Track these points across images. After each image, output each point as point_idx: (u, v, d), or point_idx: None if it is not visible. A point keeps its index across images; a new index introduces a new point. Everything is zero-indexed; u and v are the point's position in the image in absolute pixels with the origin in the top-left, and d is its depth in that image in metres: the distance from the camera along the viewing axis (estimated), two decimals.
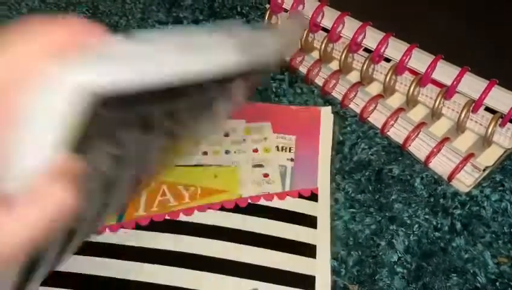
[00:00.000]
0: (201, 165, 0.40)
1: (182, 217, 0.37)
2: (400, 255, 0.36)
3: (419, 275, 0.35)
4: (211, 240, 0.36)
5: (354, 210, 0.38)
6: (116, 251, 0.35)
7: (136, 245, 0.36)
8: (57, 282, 0.33)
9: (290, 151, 0.41)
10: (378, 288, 0.34)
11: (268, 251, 0.36)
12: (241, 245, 0.36)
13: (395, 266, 0.35)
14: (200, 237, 0.36)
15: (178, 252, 0.35)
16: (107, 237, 0.36)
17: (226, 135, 0.42)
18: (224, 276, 0.34)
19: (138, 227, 0.37)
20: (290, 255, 0.36)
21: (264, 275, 0.34)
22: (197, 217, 0.37)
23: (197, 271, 0.35)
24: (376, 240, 0.37)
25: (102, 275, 0.34)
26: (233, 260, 0.35)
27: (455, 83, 0.39)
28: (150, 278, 0.34)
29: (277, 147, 0.41)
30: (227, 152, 0.41)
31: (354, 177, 0.40)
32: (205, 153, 0.41)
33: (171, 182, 0.39)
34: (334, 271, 0.35)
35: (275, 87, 0.46)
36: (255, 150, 0.41)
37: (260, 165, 0.40)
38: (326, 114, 0.43)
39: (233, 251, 0.35)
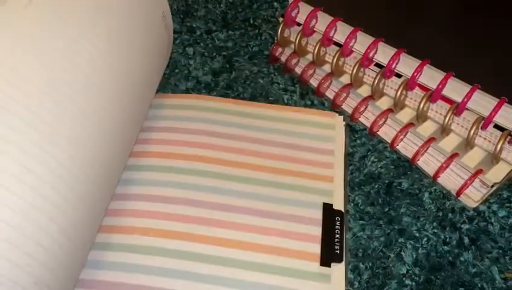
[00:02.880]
0: None
1: None
2: (408, 267, 0.36)
3: (427, 288, 0.35)
4: None
5: (363, 222, 0.39)
6: None
7: None
8: None
9: None
10: None
11: None
12: None
13: (404, 279, 0.36)
14: None
15: None
16: None
17: None
18: None
19: None
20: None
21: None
22: None
23: None
24: (385, 252, 0.37)
25: None
26: None
27: (465, 100, 0.39)
28: None
29: None
30: None
31: (363, 189, 0.41)
32: None
33: None
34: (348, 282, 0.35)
35: (287, 98, 0.47)
36: None
37: None
38: (338, 123, 0.44)
39: None
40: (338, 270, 0.35)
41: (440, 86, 0.40)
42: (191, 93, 0.47)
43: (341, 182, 0.40)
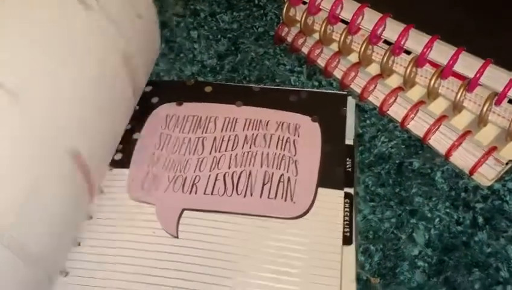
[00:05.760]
0: None
1: None
2: (420, 249, 0.36)
3: (440, 269, 0.35)
4: None
5: (374, 203, 0.38)
6: None
7: None
8: None
9: None
10: (399, 281, 0.34)
11: None
12: None
13: (416, 260, 0.35)
14: None
15: None
16: None
17: None
18: None
19: None
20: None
21: None
22: None
23: None
24: (397, 233, 0.37)
25: None
26: None
27: (478, 75, 0.38)
28: None
29: None
30: None
31: (373, 170, 0.40)
32: None
33: None
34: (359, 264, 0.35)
35: (294, 80, 0.46)
36: None
37: None
38: (350, 104, 0.43)
39: None
40: (348, 252, 0.35)
41: (451, 62, 0.39)
42: (196, 78, 0.46)
43: None
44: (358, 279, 0.34)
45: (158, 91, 0.45)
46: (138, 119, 0.43)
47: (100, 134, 0.36)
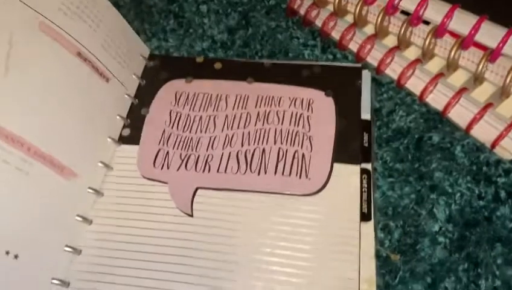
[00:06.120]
0: None
1: None
2: (441, 224, 0.35)
3: (462, 244, 0.34)
4: None
5: (392, 179, 0.37)
6: None
7: None
8: None
9: None
10: (419, 258, 0.33)
11: None
12: None
13: (437, 236, 0.34)
14: None
15: None
16: None
17: None
18: None
19: None
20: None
21: None
22: None
23: None
24: (417, 209, 0.35)
25: None
26: None
27: (501, 45, 0.36)
28: None
29: None
30: None
31: (392, 145, 0.39)
32: None
33: None
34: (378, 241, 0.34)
35: (308, 54, 0.44)
36: None
37: None
38: (365, 77, 0.42)
39: None
40: (367, 229, 0.34)
41: (472, 31, 0.37)
42: (207, 55, 0.45)
43: None
44: (378, 256, 0.34)
45: (167, 67, 0.44)
46: (145, 94, 0.42)
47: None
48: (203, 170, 0.38)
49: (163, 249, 0.34)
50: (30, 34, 0.32)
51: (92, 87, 0.37)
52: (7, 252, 0.29)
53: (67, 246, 0.34)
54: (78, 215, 0.35)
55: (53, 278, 0.32)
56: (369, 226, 0.34)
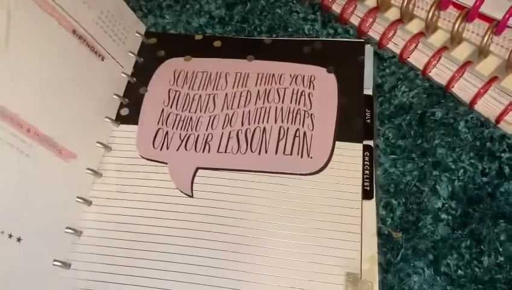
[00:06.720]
0: None
1: None
2: (444, 201, 0.34)
3: (465, 221, 0.34)
4: None
5: (395, 156, 0.36)
6: None
7: None
8: None
9: None
10: (422, 235, 0.33)
11: None
12: None
13: (440, 213, 0.34)
14: None
15: None
16: None
17: None
18: None
19: None
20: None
21: None
22: None
23: None
24: (419, 186, 0.35)
25: None
26: None
27: (507, 16, 0.35)
28: None
29: None
30: None
31: (394, 122, 0.38)
32: None
33: None
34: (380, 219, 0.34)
35: (308, 29, 0.43)
36: None
37: None
38: (368, 52, 0.41)
39: None
40: (369, 207, 0.34)
41: (477, 2, 0.36)
42: (204, 31, 0.44)
43: None
44: (380, 233, 0.33)
45: (164, 45, 0.43)
46: (143, 72, 0.42)
47: None
48: (203, 150, 0.37)
49: (163, 230, 0.34)
50: (27, 6, 0.31)
51: (87, 65, 0.37)
52: (10, 235, 0.29)
53: (68, 227, 0.34)
54: (77, 197, 0.35)
55: (54, 260, 0.32)
56: (371, 204, 0.34)
